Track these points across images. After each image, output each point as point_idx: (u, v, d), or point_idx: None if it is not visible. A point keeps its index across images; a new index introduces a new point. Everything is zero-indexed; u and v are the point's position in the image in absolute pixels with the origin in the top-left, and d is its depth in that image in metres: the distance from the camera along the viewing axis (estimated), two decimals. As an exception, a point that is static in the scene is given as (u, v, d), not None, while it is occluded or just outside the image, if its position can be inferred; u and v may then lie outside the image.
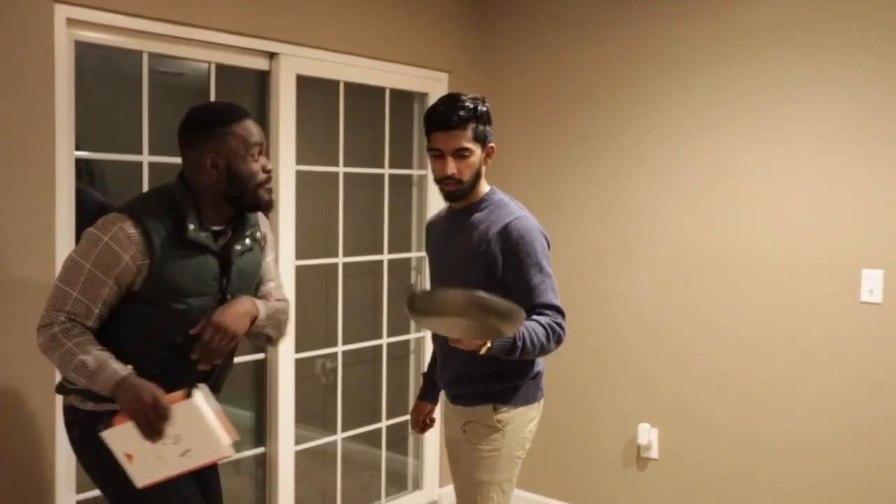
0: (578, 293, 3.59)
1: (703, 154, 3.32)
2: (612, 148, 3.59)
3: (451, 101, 2.26)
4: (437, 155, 2.28)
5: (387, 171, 3.67)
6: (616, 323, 3.59)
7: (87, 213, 2.66)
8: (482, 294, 1.99)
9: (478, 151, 2.28)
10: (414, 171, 3.85)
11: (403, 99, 3.79)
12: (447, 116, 2.24)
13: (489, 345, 2.12)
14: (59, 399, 2.31)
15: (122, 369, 1.90)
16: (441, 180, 2.30)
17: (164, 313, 2.00)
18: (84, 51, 2.63)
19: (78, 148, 2.61)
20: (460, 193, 2.31)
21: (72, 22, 2.53)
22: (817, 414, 3.07)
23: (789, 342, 3.13)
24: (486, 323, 2.01)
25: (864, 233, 2.95)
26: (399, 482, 3.95)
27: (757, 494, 3.23)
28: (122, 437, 1.90)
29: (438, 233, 2.50)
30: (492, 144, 2.33)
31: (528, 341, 2.16)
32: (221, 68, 3.00)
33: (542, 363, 2.42)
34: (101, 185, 2.85)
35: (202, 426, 1.92)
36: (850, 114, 2.97)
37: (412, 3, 3.63)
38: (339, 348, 3.50)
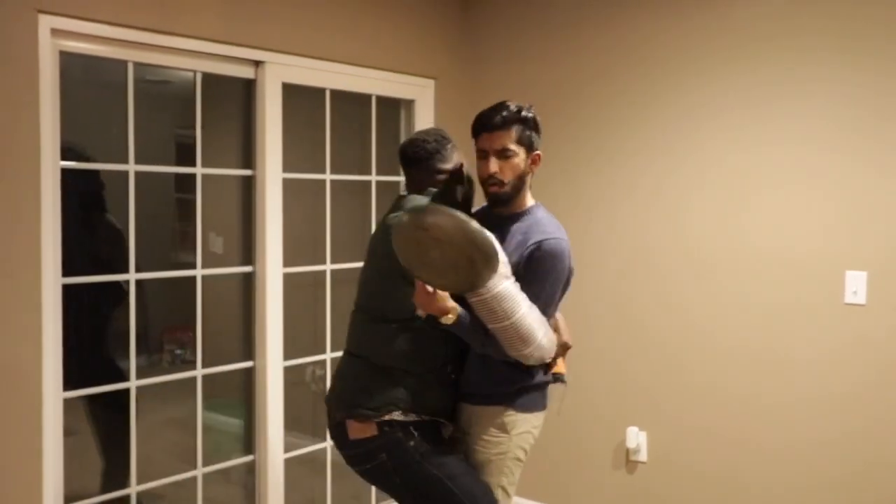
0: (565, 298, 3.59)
1: (685, 158, 3.34)
2: (594, 152, 3.60)
3: (497, 105, 2.36)
4: (482, 155, 2.35)
5: (374, 178, 3.68)
6: (602, 327, 3.61)
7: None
8: (475, 223, 2.06)
9: (521, 154, 2.34)
10: (401, 178, 3.85)
11: (390, 106, 3.81)
12: (491, 117, 2.32)
13: (451, 317, 2.19)
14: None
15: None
16: (485, 181, 2.36)
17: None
18: (69, 61, 2.63)
19: (64, 158, 2.61)
20: (504, 196, 2.35)
21: (56, 32, 2.54)
22: (803, 415, 3.09)
23: (775, 344, 3.14)
24: (466, 254, 2.05)
25: (848, 235, 2.98)
26: (389, 488, 3.94)
27: (745, 496, 3.24)
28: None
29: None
30: (538, 152, 2.38)
31: (471, 323, 2.23)
32: (207, 77, 3.00)
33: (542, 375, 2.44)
34: (91, 195, 2.88)
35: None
36: (833, 114, 2.99)
37: (397, 10, 3.64)
38: (328, 355, 3.50)
